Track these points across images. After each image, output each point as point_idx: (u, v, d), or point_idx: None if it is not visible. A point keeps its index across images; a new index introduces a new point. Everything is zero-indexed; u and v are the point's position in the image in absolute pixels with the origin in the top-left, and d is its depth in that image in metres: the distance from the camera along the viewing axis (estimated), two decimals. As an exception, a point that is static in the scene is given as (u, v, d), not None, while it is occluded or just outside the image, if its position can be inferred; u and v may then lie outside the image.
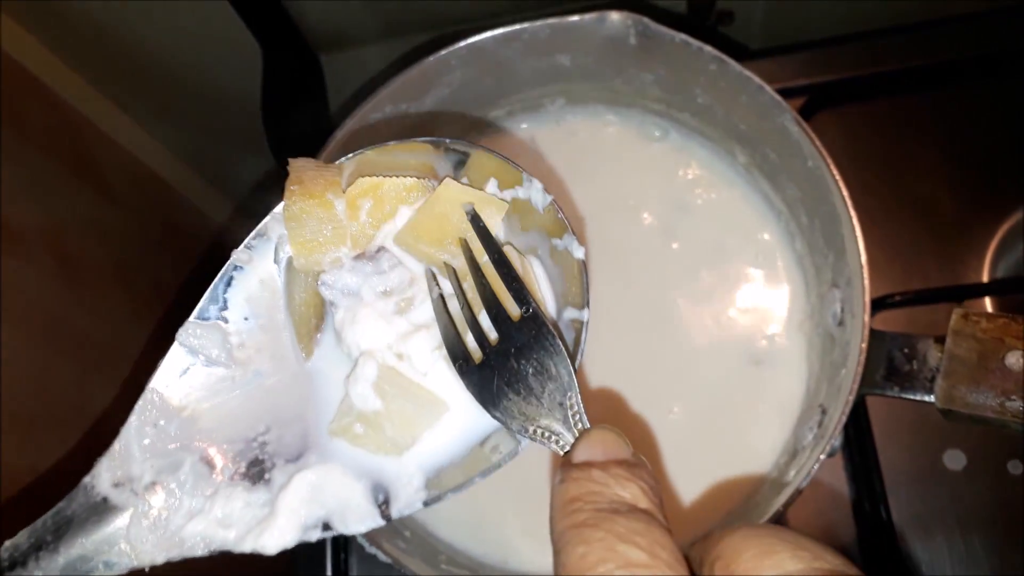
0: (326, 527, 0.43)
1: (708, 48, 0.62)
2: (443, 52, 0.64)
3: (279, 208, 0.45)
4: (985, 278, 0.74)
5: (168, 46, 0.81)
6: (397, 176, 0.47)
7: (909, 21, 0.81)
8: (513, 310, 0.44)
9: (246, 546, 0.42)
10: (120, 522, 0.41)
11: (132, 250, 0.77)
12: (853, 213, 0.58)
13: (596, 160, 0.74)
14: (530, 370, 0.42)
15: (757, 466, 0.65)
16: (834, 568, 0.30)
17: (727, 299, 0.69)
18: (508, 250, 0.46)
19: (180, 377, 0.44)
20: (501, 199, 0.47)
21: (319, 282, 0.46)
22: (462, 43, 0.64)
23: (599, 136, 0.75)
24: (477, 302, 0.44)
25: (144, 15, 0.76)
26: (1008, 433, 0.54)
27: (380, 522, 0.43)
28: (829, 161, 0.59)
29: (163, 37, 0.80)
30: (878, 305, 0.71)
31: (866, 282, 0.57)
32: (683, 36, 0.62)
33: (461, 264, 0.46)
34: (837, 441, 0.56)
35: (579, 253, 0.46)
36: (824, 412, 0.60)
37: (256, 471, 0.44)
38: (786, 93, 0.62)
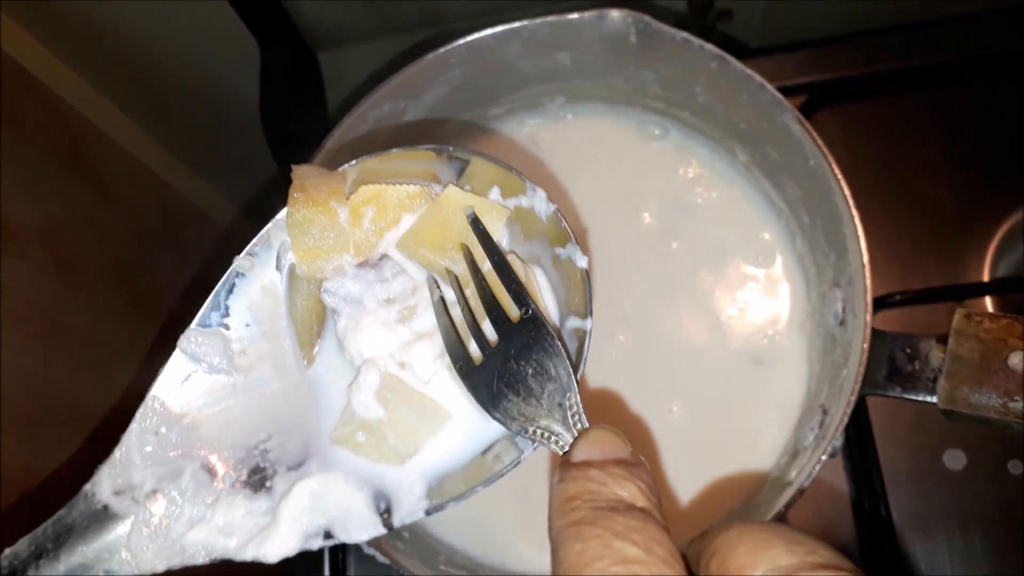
0: (328, 535, 0.43)
1: (709, 46, 0.62)
2: (442, 50, 0.64)
3: (282, 215, 0.45)
4: (986, 277, 0.74)
5: (167, 45, 0.81)
6: (400, 183, 0.46)
7: (909, 20, 0.81)
8: (512, 311, 0.43)
9: (247, 554, 0.41)
10: (121, 530, 0.41)
11: (130, 249, 0.77)
12: (855, 212, 0.58)
13: (596, 159, 0.74)
14: (529, 371, 0.42)
15: (757, 466, 0.65)
16: (828, 562, 0.31)
17: (727, 298, 0.69)
18: (512, 259, 0.46)
19: (181, 384, 0.44)
20: (503, 205, 0.47)
21: (322, 289, 0.46)
22: (461, 41, 0.64)
23: (599, 134, 0.75)
24: (479, 308, 0.44)
25: (143, 14, 0.76)
26: (1009, 433, 0.54)
27: (382, 531, 0.43)
28: (831, 160, 0.59)
29: (162, 36, 0.79)
30: (878, 304, 0.71)
31: (868, 281, 0.57)
32: (684, 34, 0.62)
33: (463, 270, 0.45)
34: (839, 441, 0.56)
35: (582, 263, 0.46)
36: (825, 412, 0.60)
37: (257, 479, 0.44)
38: (785, 92, 0.61)
